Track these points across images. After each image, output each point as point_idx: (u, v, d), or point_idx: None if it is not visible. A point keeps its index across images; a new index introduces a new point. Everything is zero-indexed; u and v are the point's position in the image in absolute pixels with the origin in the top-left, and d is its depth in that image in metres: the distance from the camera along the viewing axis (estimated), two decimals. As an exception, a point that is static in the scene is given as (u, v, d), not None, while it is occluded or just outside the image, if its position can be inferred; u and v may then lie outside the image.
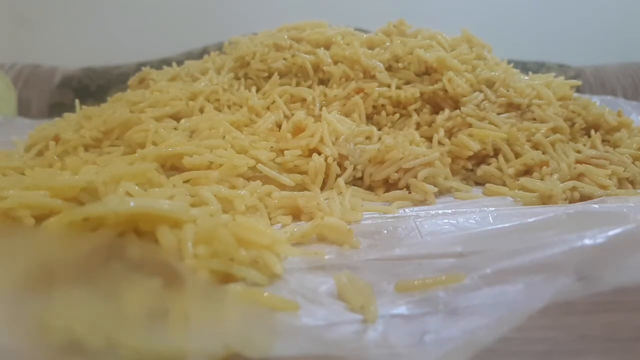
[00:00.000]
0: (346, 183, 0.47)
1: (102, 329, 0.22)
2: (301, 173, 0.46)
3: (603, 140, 0.57)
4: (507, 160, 0.53)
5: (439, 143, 0.54)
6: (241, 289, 0.28)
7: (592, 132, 0.58)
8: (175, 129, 0.51)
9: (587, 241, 0.31)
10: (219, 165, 0.43)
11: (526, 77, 0.67)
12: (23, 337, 0.22)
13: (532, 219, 0.37)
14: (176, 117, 0.55)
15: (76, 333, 0.22)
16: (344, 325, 0.26)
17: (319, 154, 0.47)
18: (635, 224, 0.33)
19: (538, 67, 1.44)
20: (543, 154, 0.52)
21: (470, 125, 0.55)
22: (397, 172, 0.48)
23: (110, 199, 0.32)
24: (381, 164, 0.49)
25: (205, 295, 0.26)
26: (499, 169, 0.52)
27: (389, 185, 0.49)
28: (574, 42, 1.58)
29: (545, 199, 0.45)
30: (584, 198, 0.45)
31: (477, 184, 0.53)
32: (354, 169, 0.49)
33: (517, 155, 0.53)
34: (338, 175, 0.48)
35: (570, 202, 0.45)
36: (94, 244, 0.28)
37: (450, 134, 0.56)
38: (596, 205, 0.41)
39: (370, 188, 0.49)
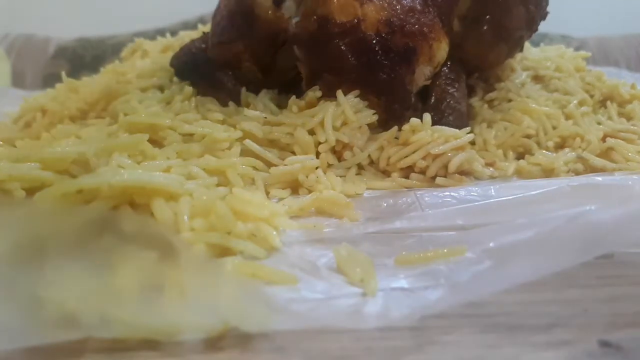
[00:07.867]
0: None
1: (96, 303, 0.21)
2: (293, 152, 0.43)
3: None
4: (545, 133, 0.50)
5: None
6: (238, 262, 0.27)
7: (609, 104, 0.57)
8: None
9: (591, 214, 0.30)
10: (202, 137, 0.41)
11: (535, 49, 0.66)
12: (15, 312, 0.21)
13: (535, 192, 0.37)
14: (162, 89, 0.54)
15: (69, 307, 0.21)
16: (344, 298, 0.26)
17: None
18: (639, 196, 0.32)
19: (541, 38, 1.41)
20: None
21: (509, 100, 0.53)
22: (424, 158, 0.41)
23: (104, 170, 0.31)
24: (404, 145, 0.42)
25: (201, 269, 0.25)
26: (538, 143, 0.49)
27: (409, 170, 0.42)
28: (576, 13, 1.55)
29: (548, 172, 0.44)
30: (587, 171, 0.45)
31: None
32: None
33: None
34: (330, 165, 0.43)
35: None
36: (87, 216, 0.28)
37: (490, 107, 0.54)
38: (600, 178, 0.41)
39: (385, 172, 0.43)
